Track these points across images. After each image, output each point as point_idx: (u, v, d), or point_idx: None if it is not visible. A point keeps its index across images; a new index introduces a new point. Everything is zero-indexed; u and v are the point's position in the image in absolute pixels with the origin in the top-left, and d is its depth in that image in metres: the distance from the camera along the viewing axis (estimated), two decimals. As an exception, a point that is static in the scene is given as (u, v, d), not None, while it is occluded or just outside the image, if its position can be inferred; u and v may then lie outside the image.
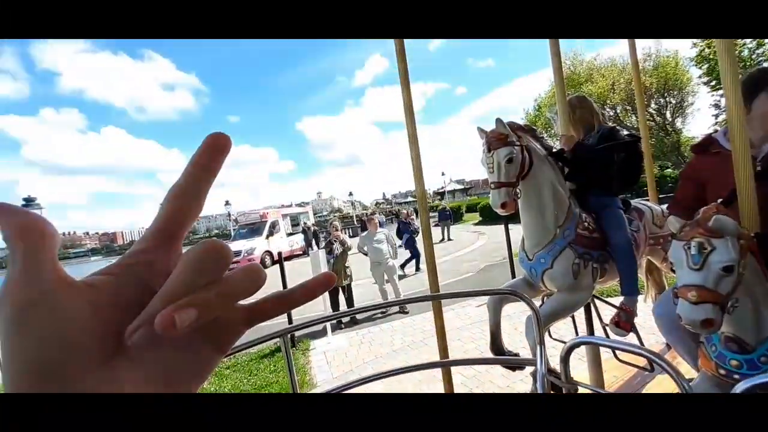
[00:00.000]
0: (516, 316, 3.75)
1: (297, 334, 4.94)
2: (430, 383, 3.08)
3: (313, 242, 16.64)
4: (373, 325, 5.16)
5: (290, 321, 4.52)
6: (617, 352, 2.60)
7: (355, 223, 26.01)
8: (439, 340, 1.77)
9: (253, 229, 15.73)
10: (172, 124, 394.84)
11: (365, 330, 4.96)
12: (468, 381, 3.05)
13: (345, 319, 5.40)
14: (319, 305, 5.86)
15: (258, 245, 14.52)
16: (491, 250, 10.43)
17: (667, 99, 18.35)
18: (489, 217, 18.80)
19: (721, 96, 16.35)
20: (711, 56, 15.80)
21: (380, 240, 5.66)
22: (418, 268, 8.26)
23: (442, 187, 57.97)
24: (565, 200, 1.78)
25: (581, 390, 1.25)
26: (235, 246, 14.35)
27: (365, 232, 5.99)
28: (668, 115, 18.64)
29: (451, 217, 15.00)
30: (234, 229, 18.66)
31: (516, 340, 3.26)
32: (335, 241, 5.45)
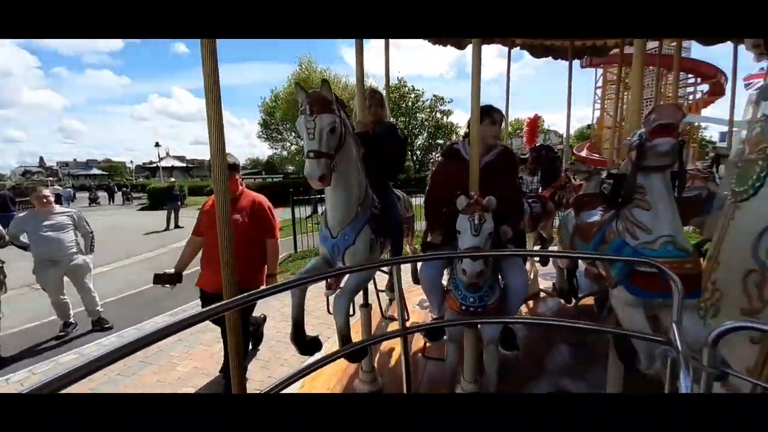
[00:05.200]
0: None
1: None
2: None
3: None
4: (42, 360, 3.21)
5: None
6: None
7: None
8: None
9: None
10: None
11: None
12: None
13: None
14: None
15: None
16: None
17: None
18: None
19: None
20: (392, 100, 23.64)
21: (61, 225, 3.60)
22: None
23: (152, 162, 45.14)
24: (364, 180, 1.86)
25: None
26: None
27: (25, 212, 3.61)
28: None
29: (180, 199, 12.16)
30: None
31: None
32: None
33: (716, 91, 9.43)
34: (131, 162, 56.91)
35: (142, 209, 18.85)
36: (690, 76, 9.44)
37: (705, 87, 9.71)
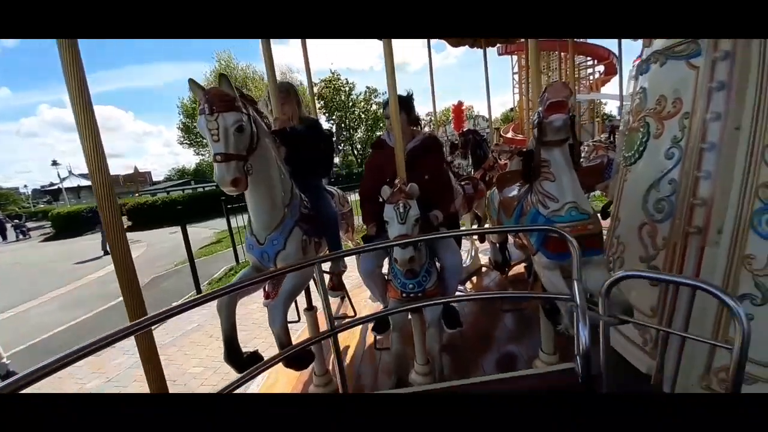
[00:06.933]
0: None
1: None
2: None
3: None
4: None
5: None
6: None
7: None
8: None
9: None
10: None
11: None
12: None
13: None
14: None
15: None
16: (154, 259, 8.65)
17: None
18: (141, 220, 15.32)
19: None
20: (325, 94, 23.16)
21: None
22: None
23: (52, 184, 38.45)
24: (287, 180, 1.76)
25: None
26: None
27: None
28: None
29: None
30: None
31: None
32: None
33: (611, 71, 10.78)
34: (26, 186, 48.49)
35: (47, 239, 16.27)
36: (588, 58, 10.64)
37: (601, 68, 11.05)
